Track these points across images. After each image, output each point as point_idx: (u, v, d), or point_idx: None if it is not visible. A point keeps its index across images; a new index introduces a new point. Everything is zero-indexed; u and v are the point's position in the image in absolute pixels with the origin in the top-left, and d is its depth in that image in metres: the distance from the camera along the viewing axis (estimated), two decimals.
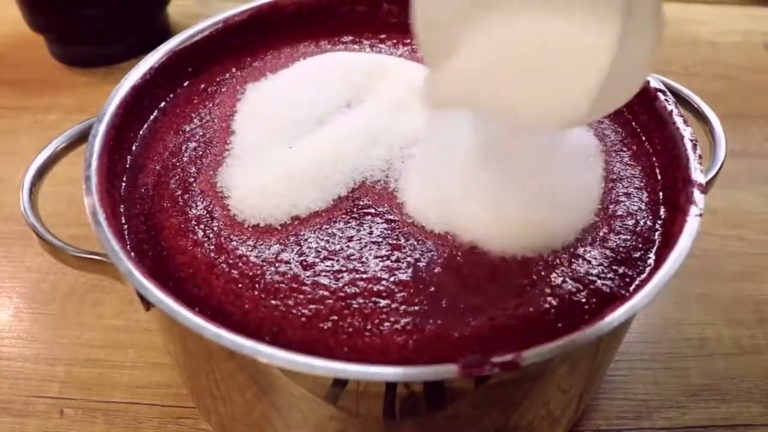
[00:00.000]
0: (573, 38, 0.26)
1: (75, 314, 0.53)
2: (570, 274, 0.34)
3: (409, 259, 0.34)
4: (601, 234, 0.36)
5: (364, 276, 0.34)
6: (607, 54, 0.25)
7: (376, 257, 0.34)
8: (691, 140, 0.39)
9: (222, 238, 0.36)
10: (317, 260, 0.34)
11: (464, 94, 0.29)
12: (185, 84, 0.46)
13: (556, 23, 0.26)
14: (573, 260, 0.35)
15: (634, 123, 0.44)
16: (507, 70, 0.28)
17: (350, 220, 0.36)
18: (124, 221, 0.38)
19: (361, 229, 0.36)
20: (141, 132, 0.43)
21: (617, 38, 0.25)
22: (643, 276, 0.35)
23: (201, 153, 0.41)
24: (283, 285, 0.33)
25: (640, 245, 0.36)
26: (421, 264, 0.34)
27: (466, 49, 0.28)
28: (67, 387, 0.48)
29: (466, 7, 0.28)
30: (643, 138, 0.43)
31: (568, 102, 0.27)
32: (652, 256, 0.36)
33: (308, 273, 0.34)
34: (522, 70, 0.28)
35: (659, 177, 0.40)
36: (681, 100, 0.43)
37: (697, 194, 0.36)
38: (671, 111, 0.40)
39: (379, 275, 0.34)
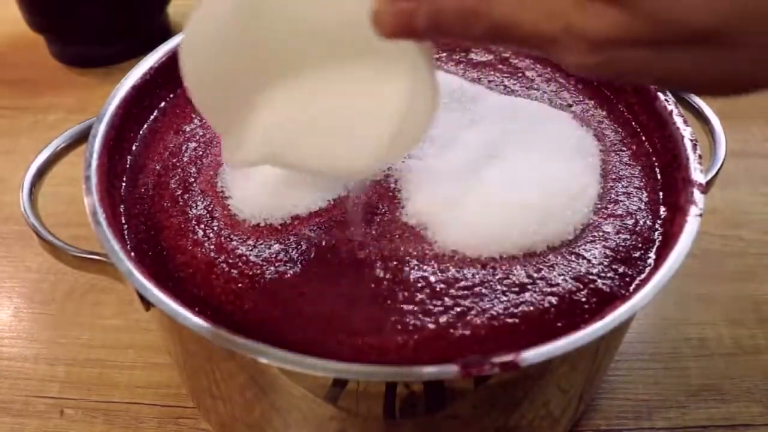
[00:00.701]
0: (366, 99, 0.28)
1: (75, 314, 0.53)
2: (570, 273, 0.34)
3: (409, 258, 0.34)
4: (600, 233, 0.36)
5: (364, 276, 0.34)
6: (400, 110, 0.28)
7: (375, 257, 0.34)
8: (691, 140, 0.39)
9: (222, 238, 0.36)
10: (317, 260, 0.34)
11: (261, 156, 0.31)
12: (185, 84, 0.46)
13: (346, 87, 0.28)
14: (573, 259, 0.35)
15: (634, 123, 0.44)
16: (299, 129, 0.30)
17: None
18: (124, 221, 0.38)
19: (363, 228, 0.36)
20: (141, 132, 0.43)
21: (408, 97, 0.28)
22: (643, 276, 0.35)
23: (201, 153, 0.41)
24: (283, 285, 0.33)
25: (640, 245, 0.36)
26: (421, 263, 0.34)
27: (253, 117, 0.30)
28: (67, 387, 0.48)
29: (244, 83, 0.29)
30: (643, 138, 0.43)
31: (364, 152, 0.29)
32: (652, 255, 0.36)
33: (308, 272, 0.34)
34: (314, 127, 0.29)
35: (659, 177, 0.40)
36: (681, 100, 0.43)
37: (697, 194, 0.36)
38: (671, 111, 0.40)
39: (378, 275, 0.33)
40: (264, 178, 0.38)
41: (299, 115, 0.30)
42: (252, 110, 0.30)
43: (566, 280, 0.34)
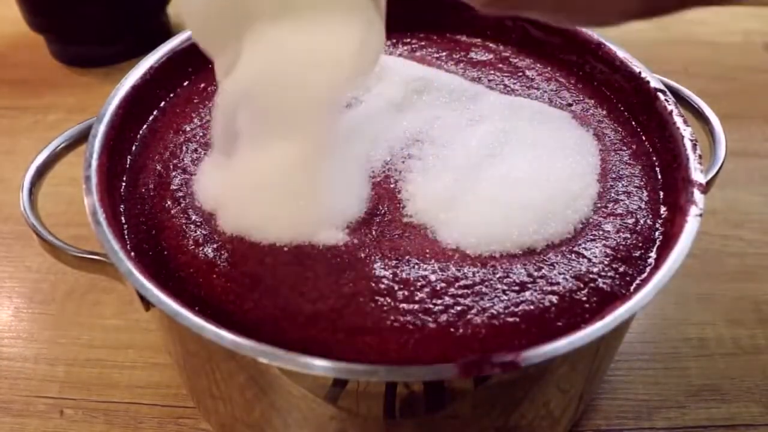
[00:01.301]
0: (329, 38, 0.34)
1: (75, 314, 0.53)
2: (570, 272, 0.34)
3: (409, 257, 0.34)
4: (601, 232, 0.36)
5: (364, 275, 0.34)
6: (355, 43, 0.34)
7: (375, 255, 0.34)
8: (691, 140, 0.39)
9: (223, 238, 0.36)
10: (317, 259, 0.34)
11: (251, 74, 0.35)
12: (185, 83, 0.46)
13: (315, 27, 0.34)
14: (573, 258, 0.35)
15: (633, 122, 0.44)
16: (277, 61, 0.34)
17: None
18: (124, 221, 0.38)
19: (362, 226, 0.36)
20: (141, 132, 0.43)
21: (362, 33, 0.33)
22: (644, 276, 0.35)
23: (202, 153, 0.41)
24: (283, 284, 0.33)
25: (640, 244, 0.36)
26: (421, 262, 0.34)
27: (244, 41, 0.34)
28: (67, 387, 0.48)
29: (232, 14, 0.34)
30: (643, 137, 0.43)
31: (327, 78, 0.34)
32: (652, 255, 0.36)
33: (308, 272, 0.34)
34: (287, 62, 0.34)
35: (659, 176, 0.40)
36: (681, 100, 0.43)
37: (697, 194, 0.36)
38: (671, 111, 0.41)
39: (379, 274, 0.33)
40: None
41: (277, 50, 0.34)
42: (239, 40, 0.34)
43: (566, 279, 0.34)
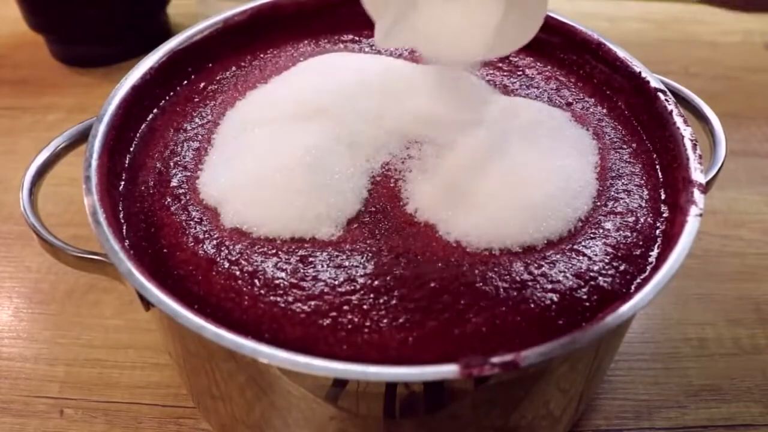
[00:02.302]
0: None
1: (75, 314, 0.53)
2: (571, 270, 0.34)
3: (409, 255, 0.34)
4: (601, 230, 0.36)
5: (365, 272, 0.34)
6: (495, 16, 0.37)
7: (375, 253, 0.34)
8: (691, 140, 0.39)
9: (222, 235, 0.36)
10: (317, 256, 0.34)
11: (402, 39, 0.39)
12: (185, 83, 0.46)
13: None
14: (573, 256, 0.35)
15: (634, 121, 0.44)
16: (436, 23, 0.38)
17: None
18: (123, 219, 0.38)
19: (362, 224, 0.36)
20: (140, 130, 0.43)
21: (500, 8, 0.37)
22: (643, 276, 0.35)
23: (202, 152, 0.41)
24: (283, 281, 0.33)
25: (641, 242, 0.36)
26: (421, 260, 0.34)
27: (402, 8, 0.37)
28: (67, 387, 0.48)
29: None
30: (644, 136, 0.43)
31: (475, 42, 0.38)
32: (652, 255, 0.36)
33: (308, 269, 0.34)
34: (445, 23, 0.38)
35: (660, 175, 0.40)
36: (681, 100, 0.43)
37: (697, 194, 0.36)
38: (671, 111, 0.41)
39: (379, 271, 0.34)
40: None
41: (435, 17, 0.38)
42: (397, 7, 0.38)
43: (567, 277, 0.34)
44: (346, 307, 0.32)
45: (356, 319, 0.32)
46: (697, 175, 0.37)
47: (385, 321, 0.32)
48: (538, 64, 0.48)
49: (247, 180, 0.37)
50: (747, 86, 0.75)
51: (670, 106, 0.41)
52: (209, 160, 0.40)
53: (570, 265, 0.34)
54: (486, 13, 0.37)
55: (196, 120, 0.43)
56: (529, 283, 0.33)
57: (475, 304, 0.32)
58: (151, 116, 0.44)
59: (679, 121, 0.40)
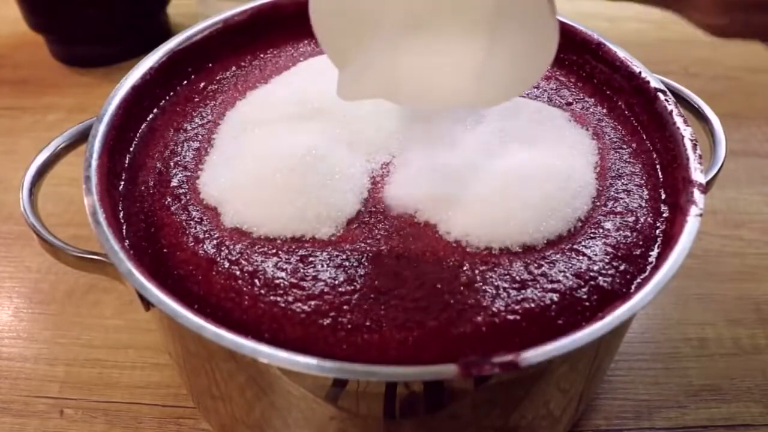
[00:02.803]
0: (458, 48, 0.32)
1: (75, 314, 0.53)
2: (570, 269, 0.34)
3: (409, 255, 0.34)
4: (601, 230, 0.36)
5: (365, 272, 0.34)
6: (479, 56, 0.31)
7: (375, 253, 0.34)
8: (691, 140, 0.39)
9: (222, 235, 0.36)
10: (317, 256, 0.34)
11: (371, 90, 0.33)
12: (185, 83, 0.46)
13: (446, 39, 0.32)
14: (573, 256, 0.35)
15: (634, 121, 0.44)
16: (410, 69, 0.33)
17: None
18: (123, 219, 0.38)
19: (362, 224, 0.36)
20: (140, 130, 0.43)
21: (482, 47, 0.31)
22: (643, 275, 0.35)
23: (203, 151, 0.41)
24: (283, 281, 0.33)
25: (641, 242, 0.36)
26: (421, 260, 0.34)
27: (369, 54, 0.32)
28: (67, 387, 0.48)
29: (361, 25, 0.32)
30: (644, 136, 0.43)
31: (459, 90, 0.33)
32: (652, 254, 0.36)
33: (308, 269, 0.34)
34: (423, 69, 0.33)
35: (660, 175, 0.40)
36: (681, 100, 0.43)
37: (697, 194, 0.36)
38: (671, 111, 0.41)
39: (379, 271, 0.34)
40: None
41: (408, 58, 0.33)
42: (366, 50, 0.33)
43: (567, 277, 0.34)
44: (346, 307, 0.32)
45: (356, 319, 0.32)
46: (697, 175, 0.37)
47: (385, 321, 0.32)
48: None
49: (248, 180, 0.38)
50: (747, 86, 0.75)
51: (670, 106, 0.41)
52: (209, 160, 0.40)
53: (570, 265, 0.34)
54: (468, 52, 0.32)
55: (196, 120, 0.43)
56: (529, 283, 0.33)
57: (475, 304, 0.32)
58: (151, 116, 0.44)
59: (679, 121, 0.40)
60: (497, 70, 0.31)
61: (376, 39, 0.32)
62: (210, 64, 0.48)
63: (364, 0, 0.31)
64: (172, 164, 0.40)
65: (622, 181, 0.39)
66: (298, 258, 0.34)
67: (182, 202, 0.38)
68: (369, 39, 0.32)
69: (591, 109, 0.45)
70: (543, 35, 0.29)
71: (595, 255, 0.35)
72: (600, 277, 0.34)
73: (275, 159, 0.38)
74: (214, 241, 0.35)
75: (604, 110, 0.45)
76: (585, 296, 0.33)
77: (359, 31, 0.32)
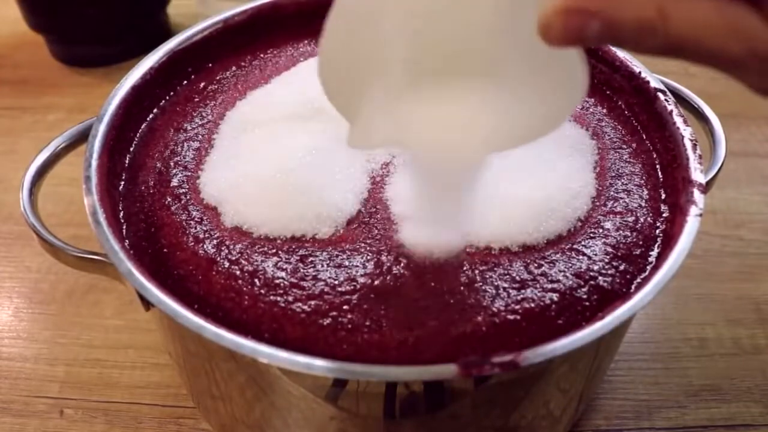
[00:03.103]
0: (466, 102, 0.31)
1: (75, 314, 0.53)
2: (570, 269, 0.34)
3: (408, 255, 0.34)
4: (601, 230, 0.36)
5: (365, 272, 0.34)
6: (495, 101, 0.30)
7: (375, 253, 0.34)
8: (691, 140, 0.39)
9: (222, 235, 0.36)
10: (317, 256, 0.34)
11: (382, 140, 0.32)
12: (185, 83, 0.46)
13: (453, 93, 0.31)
14: (573, 256, 0.35)
15: (634, 121, 0.44)
16: (423, 117, 0.31)
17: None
18: (123, 219, 0.38)
19: (362, 224, 0.36)
20: (140, 130, 0.43)
21: (485, 100, 0.30)
22: (643, 275, 0.35)
23: (203, 151, 0.41)
24: (283, 281, 0.33)
25: (641, 242, 0.36)
26: (420, 260, 0.34)
27: (378, 106, 0.31)
28: (67, 387, 0.48)
29: (368, 78, 0.31)
30: (644, 136, 0.43)
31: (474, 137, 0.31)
32: (652, 254, 0.36)
33: (308, 269, 0.34)
34: (434, 117, 0.31)
35: (659, 175, 0.40)
36: (681, 100, 0.43)
37: (697, 194, 0.36)
38: (671, 111, 0.41)
39: (379, 271, 0.34)
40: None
41: (419, 108, 0.32)
42: (374, 102, 0.32)
43: (567, 277, 0.34)
44: (346, 307, 0.32)
45: (356, 319, 0.32)
46: (697, 175, 0.37)
47: (385, 321, 0.32)
48: None
49: (248, 179, 0.38)
50: None
51: (670, 106, 0.41)
52: (209, 159, 0.40)
53: (570, 265, 0.34)
54: (485, 97, 0.30)
55: (197, 120, 0.43)
56: (529, 283, 0.33)
57: (475, 304, 0.32)
58: (151, 116, 0.44)
59: (679, 121, 0.40)
60: (518, 114, 0.30)
61: (384, 90, 0.31)
62: (210, 64, 0.48)
63: (372, 52, 0.31)
64: (172, 164, 0.40)
65: (622, 181, 0.39)
66: (298, 258, 0.34)
67: (182, 201, 0.38)
68: (377, 91, 0.31)
69: (591, 109, 0.45)
70: (569, 70, 0.28)
71: (595, 255, 0.35)
72: (600, 277, 0.34)
73: (275, 159, 0.38)
74: (214, 241, 0.35)
75: (604, 110, 0.45)
76: (585, 296, 0.33)
77: (367, 83, 0.31)
